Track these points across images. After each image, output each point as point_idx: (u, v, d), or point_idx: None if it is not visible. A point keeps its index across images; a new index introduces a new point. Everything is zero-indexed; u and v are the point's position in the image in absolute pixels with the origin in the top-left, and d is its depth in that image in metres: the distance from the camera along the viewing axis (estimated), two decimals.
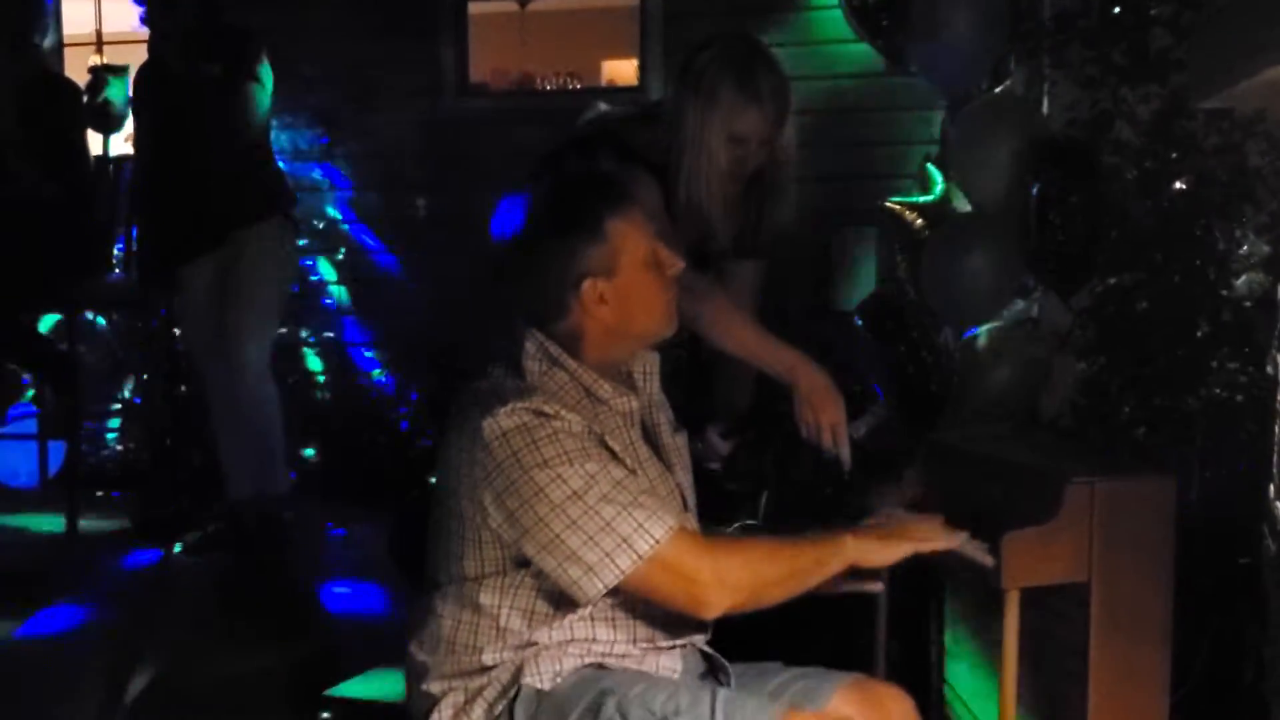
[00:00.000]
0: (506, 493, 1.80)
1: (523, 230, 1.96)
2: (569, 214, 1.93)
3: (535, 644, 1.87)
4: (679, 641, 1.95)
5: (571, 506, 1.78)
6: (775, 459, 3.59)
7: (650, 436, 2.04)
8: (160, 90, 3.99)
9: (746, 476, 3.51)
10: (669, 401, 2.15)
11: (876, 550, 1.93)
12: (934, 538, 1.98)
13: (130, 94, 4.29)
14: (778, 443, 3.52)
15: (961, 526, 2.07)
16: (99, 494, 4.83)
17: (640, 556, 1.77)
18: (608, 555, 1.77)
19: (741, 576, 1.82)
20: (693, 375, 3.09)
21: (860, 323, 3.73)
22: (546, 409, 1.83)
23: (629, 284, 1.92)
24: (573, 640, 1.88)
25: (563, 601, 1.85)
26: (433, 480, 2.00)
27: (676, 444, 2.09)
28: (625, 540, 1.77)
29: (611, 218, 1.91)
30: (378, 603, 3.76)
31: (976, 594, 2.59)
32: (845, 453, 2.48)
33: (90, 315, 5.17)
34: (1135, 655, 2.33)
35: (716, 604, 1.81)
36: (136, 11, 4.04)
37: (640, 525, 1.78)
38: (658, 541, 1.77)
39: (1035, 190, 3.16)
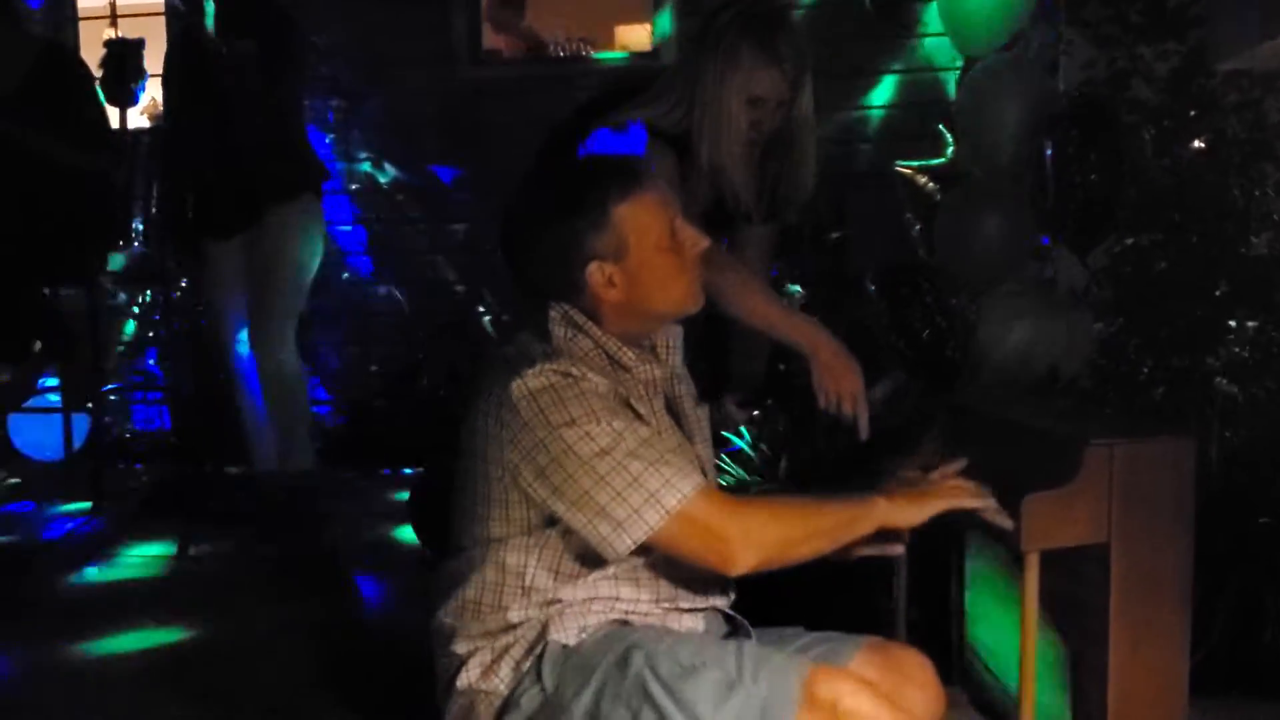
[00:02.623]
0: (535, 451, 1.82)
1: (531, 211, 1.99)
2: (574, 199, 1.94)
3: (560, 601, 1.88)
4: (701, 603, 1.96)
5: (600, 463, 1.79)
6: (792, 426, 3.61)
7: (672, 408, 2.05)
8: (193, 66, 4.00)
9: (764, 444, 3.53)
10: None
11: (909, 510, 1.93)
12: (963, 495, 1.99)
13: (162, 69, 4.29)
14: (794, 410, 3.53)
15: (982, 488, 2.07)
16: (122, 467, 4.88)
17: (668, 512, 1.78)
18: (636, 511, 1.78)
19: (768, 535, 1.83)
20: (705, 342, 3.10)
21: (874, 288, 3.72)
22: (573, 370, 1.84)
23: (640, 266, 1.92)
24: (597, 598, 1.89)
25: (589, 559, 1.86)
26: (457, 445, 2.00)
27: (698, 416, 2.10)
28: (653, 495, 1.78)
29: (618, 203, 1.91)
30: (400, 572, 3.79)
31: (996, 556, 2.59)
32: (864, 421, 2.48)
33: (110, 288, 5.19)
34: (1155, 616, 2.33)
35: (743, 561, 1.82)
36: None
37: (668, 481, 1.79)
38: (685, 497, 1.78)
39: (1051, 148, 3.14)
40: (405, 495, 4.04)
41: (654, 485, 1.78)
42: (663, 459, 1.81)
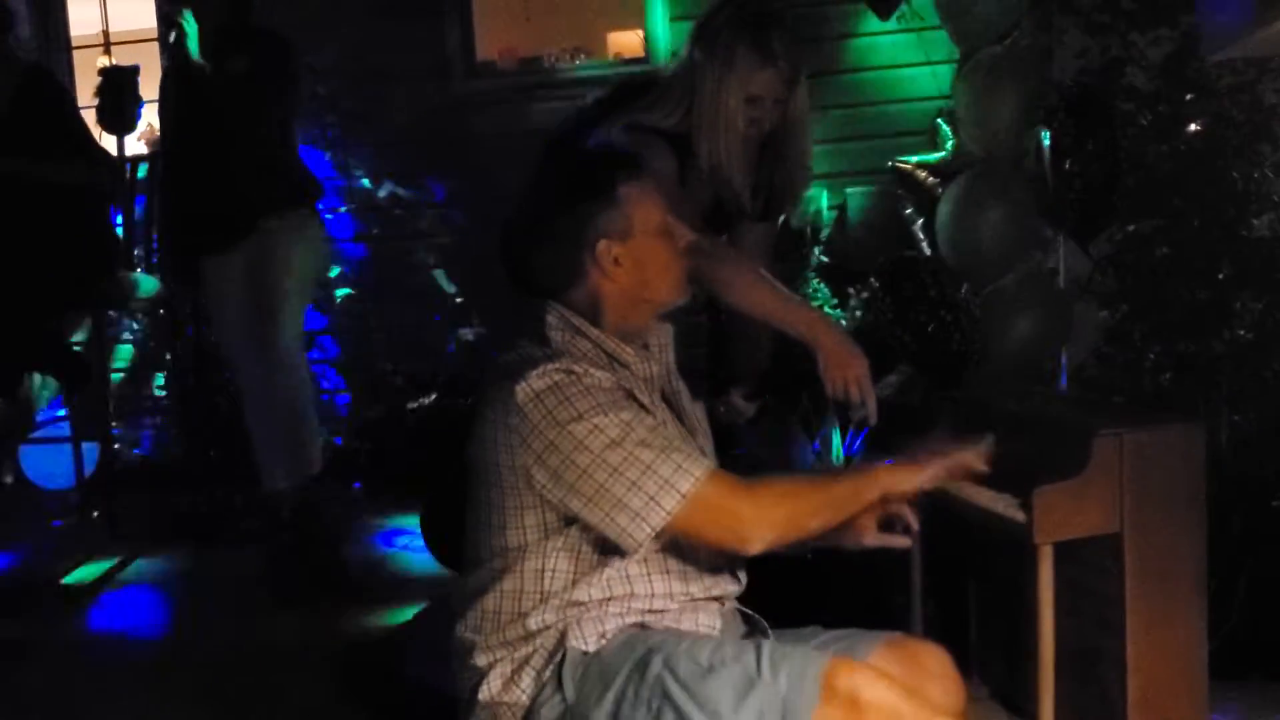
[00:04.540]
0: (547, 451, 1.84)
1: (537, 199, 2.02)
2: (583, 179, 1.99)
3: (577, 604, 1.89)
4: (714, 593, 1.97)
5: (611, 454, 1.81)
6: (800, 417, 3.61)
7: (670, 403, 2.07)
8: (185, 88, 4.02)
9: (773, 436, 3.53)
10: (692, 367, 2.18)
11: (909, 476, 1.94)
12: (961, 457, 1.97)
13: (158, 95, 4.31)
14: (801, 401, 3.54)
15: (992, 484, 2.06)
16: (134, 493, 4.88)
17: (684, 496, 1.80)
18: (652, 498, 1.80)
19: (779, 511, 1.86)
20: (714, 340, 3.10)
21: (878, 283, 3.71)
22: (575, 368, 1.87)
23: (643, 248, 1.96)
24: (612, 598, 1.90)
25: (603, 557, 1.88)
26: (466, 459, 2.01)
27: (696, 411, 2.12)
28: (668, 481, 1.80)
29: (624, 182, 1.96)
30: (415, 583, 3.79)
31: (1010, 549, 2.59)
32: (872, 406, 2.48)
33: (114, 315, 5.20)
34: (1171, 603, 2.34)
35: (758, 538, 1.85)
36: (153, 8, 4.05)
37: (680, 466, 1.81)
38: (699, 480, 1.81)
39: (1048, 139, 3.15)
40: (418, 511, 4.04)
41: (667, 471, 1.80)
42: (672, 445, 1.84)
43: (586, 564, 1.89)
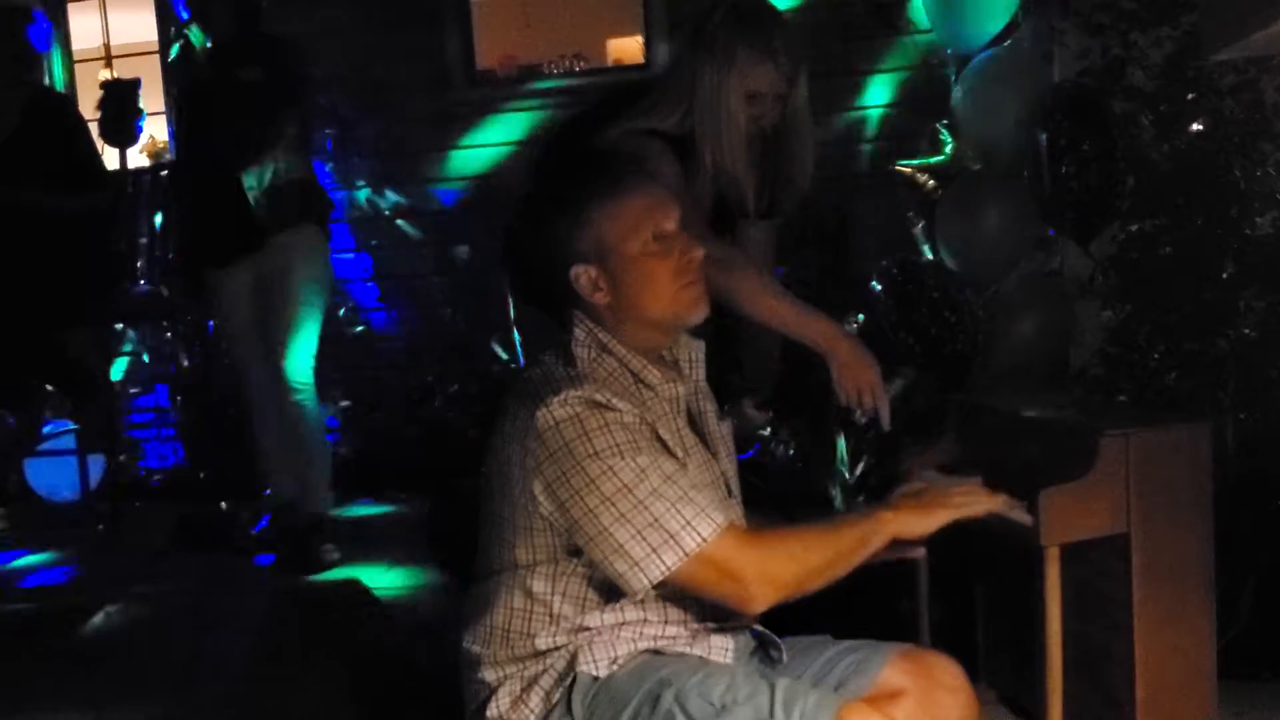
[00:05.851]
0: (557, 483, 1.81)
1: (519, 217, 1.99)
2: (553, 200, 1.94)
3: (588, 629, 1.88)
4: (731, 622, 1.95)
5: (621, 500, 1.78)
6: (811, 424, 3.61)
7: (696, 424, 2.03)
8: (199, 97, 4.03)
9: (785, 444, 3.52)
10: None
11: (916, 522, 1.91)
12: (972, 503, 1.96)
13: (173, 111, 4.33)
14: (812, 408, 3.53)
15: (999, 488, 2.06)
16: (139, 504, 4.89)
17: (686, 554, 1.77)
18: (654, 551, 1.77)
19: (786, 572, 1.82)
20: (718, 347, 3.09)
21: (880, 287, 3.72)
22: (599, 398, 1.82)
23: (625, 269, 1.90)
24: (625, 624, 1.88)
25: (613, 589, 1.85)
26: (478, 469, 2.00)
27: (722, 432, 2.08)
28: (673, 537, 1.77)
29: (596, 203, 1.90)
30: (421, 593, 3.79)
31: (1017, 552, 2.59)
32: (885, 414, 2.48)
33: (119, 327, 5.21)
34: (1179, 603, 2.33)
35: (761, 601, 1.81)
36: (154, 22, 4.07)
37: (688, 523, 1.78)
38: (705, 540, 1.77)
39: (1045, 140, 3.15)
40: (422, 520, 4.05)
41: (674, 527, 1.77)
42: (685, 498, 1.79)
43: (596, 593, 1.87)
